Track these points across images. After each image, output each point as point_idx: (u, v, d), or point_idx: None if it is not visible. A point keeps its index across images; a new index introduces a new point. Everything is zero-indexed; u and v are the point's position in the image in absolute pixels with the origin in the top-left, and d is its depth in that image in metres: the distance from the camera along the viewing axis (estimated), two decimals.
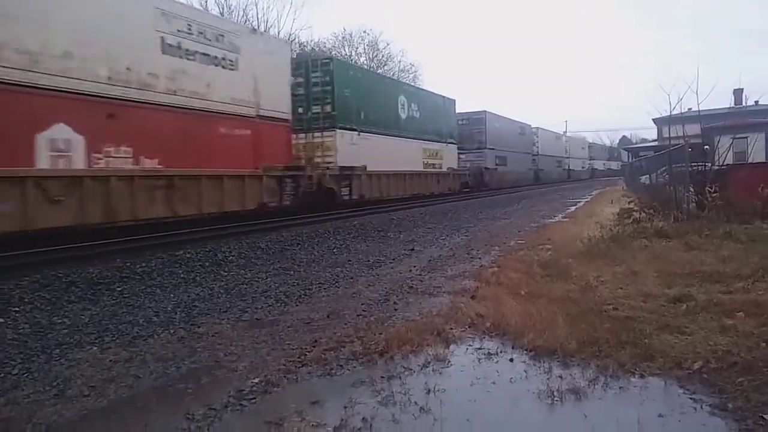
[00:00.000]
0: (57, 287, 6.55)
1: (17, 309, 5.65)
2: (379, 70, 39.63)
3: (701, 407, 3.01)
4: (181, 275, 7.46)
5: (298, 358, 4.06)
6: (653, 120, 32.72)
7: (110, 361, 4.14)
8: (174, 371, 3.93)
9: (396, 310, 5.41)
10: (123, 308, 5.76)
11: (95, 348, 4.45)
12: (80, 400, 3.43)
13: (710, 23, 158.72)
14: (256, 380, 3.63)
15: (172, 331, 4.89)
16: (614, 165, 76.49)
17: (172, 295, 6.34)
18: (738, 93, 33.62)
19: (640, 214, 11.83)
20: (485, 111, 32.36)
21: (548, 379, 3.49)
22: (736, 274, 5.86)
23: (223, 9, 31.81)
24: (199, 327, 4.99)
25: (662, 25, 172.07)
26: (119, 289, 6.62)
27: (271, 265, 8.31)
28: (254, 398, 3.37)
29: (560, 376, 3.50)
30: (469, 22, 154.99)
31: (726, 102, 30.28)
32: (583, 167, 63.94)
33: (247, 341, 4.54)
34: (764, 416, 2.81)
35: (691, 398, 3.11)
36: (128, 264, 7.89)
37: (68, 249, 8.49)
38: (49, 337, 4.75)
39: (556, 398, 3.22)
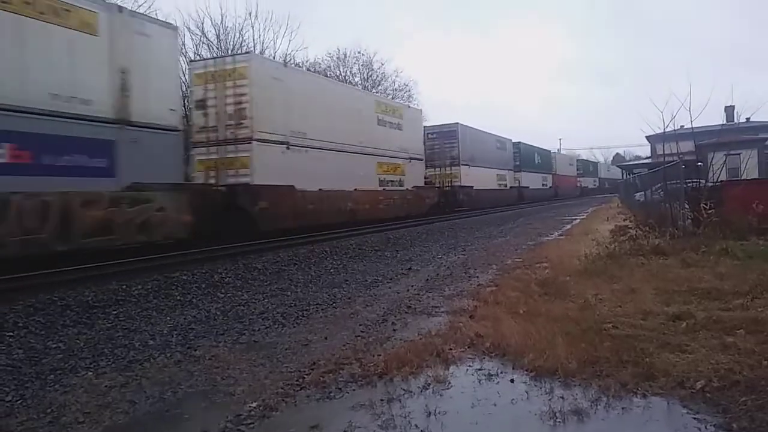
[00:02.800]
0: (52, 311, 6.49)
1: (11, 334, 5.59)
2: (374, 90, 39.89)
3: (705, 428, 2.98)
4: (178, 297, 7.40)
5: (297, 381, 4.01)
6: (647, 137, 33.10)
7: (106, 386, 4.07)
8: (171, 396, 3.87)
9: (395, 330, 5.37)
10: (119, 332, 5.70)
11: (90, 373, 4.39)
12: (75, 427, 3.37)
13: (701, 41, 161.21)
14: (254, 404, 3.58)
15: (168, 355, 4.83)
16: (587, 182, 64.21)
17: (168, 318, 6.28)
18: (730, 110, 33.99)
19: (636, 231, 11.85)
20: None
21: (550, 399, 3.45)
22: (735, 290, 5.85)
23: (219, 31, 32.06)
24: (196, 350, 4.94)
25: (657, 44, 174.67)
26: (115, 312, 6.56)
27: (267, 286, 8.26)
28: (252, 423, 3.32)
29: (562, 397, 3.47)
30: (467, 45, 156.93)
31: (718, 119, 30.56)
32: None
33: (244, 364, 4.49)
34: None
35: (694, 418, 3.08)
36: (124, 287, 7.83)
37: (63, 272, 8.43)
38: (43, 363, 4.68)
39: (558, 419, 3.18)
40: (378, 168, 20.29)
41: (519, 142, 41.17)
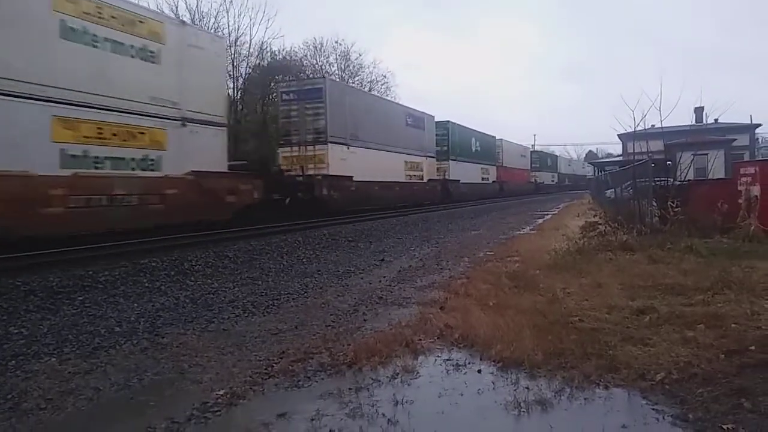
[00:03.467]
0: (15, 296, 6.34)
1: None
2: (350, 81, 39.59)
3: (663, 418, 3.06)
4: (146, 284, 7.30)
5: (265, 369, 4.00)
6: (618, 135, 33.67)
7: (69, 372, 4.01)
8: (136, 383, 3.82)
9: (365, 320, 5.39)
10: (84, 318, 5.60)
11: (53, 359, 4.31)
12: (36, 414, 3.31)
13: (673, 42, 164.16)
14: (222, 392, 3.56)
15: (135, 342, 4.77)
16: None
17: (135, 305, 6.18)
18: (699, 111, 34.81)
19: (605, 227, 12.08)
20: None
21: (515, 390, 3.51)
22: (697, 286, 6.01)
23: (194, 16, 31.42)
24: (163, 337, 4.88)
25: (630, 44, 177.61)
26: (80, 298, 6.43)
27: (238, 274, 8.19)
28: (219, 411, 3.30)
29: (527, 388, 3.52)
30: (442, 43, 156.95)
31: (687, 119, 31.26)
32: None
33: (212, 352, 4.45)
34: (723, 426, 2.88)
35: (653, 409, 3.17)
36: (90, 272, 7.68)
37: (27, 257, 8.23)
38: (5, 348, 4.58)
39: (523, 409, 3.24)
40: (59, 130, 9.57)
41: (448, 122, 31.95)
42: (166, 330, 5.14)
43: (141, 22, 11.29)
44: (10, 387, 3.72)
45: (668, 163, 14.46)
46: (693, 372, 3.57)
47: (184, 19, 29.16)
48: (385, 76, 44.85)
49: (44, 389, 3.68)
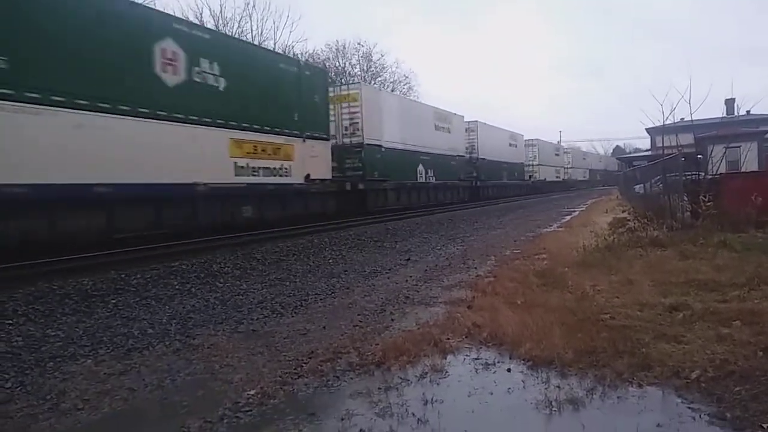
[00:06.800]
0: (51, 299, 6.51)
1: (10, 322, 5.60)
2: (372, 82, 39.64)
3: (700, 417, 3.00)
4: (176, 287, 7.42)
5: (295, 369, 4.03)
6: (646, 130, 32.96)
7: (105, 373, 4.10)
8: (169, 384, 3.89)
9: (392, 320, 5.39)
10: (117, 320, 5.72)
11: (89, 360, 4.41)
12: (74, 414, 3.40)
13: (702, 33, 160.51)
14: (252, 392, 3.60)
15: (167, 343, 4.85)
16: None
17: (167, 307, 6.30)
18: (730, 103, 33.85)
19: (635, 223, 11.87)
20: None
21: (546, 389, 3.47)
22: (732, 282, 5.86)
23: (218, 21, 31.86)
24: (194, 339, 4.96)
25: (658, 37, 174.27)
26: (114, 301, 6.57)
27: (266, 275, 8.28)
28: (250, 410, 3.34)
29: (558, 386, 3.48)
30: (466, 44, 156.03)
31: (718, 112, 30.42)
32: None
33: (243, 353, 4.51)
34: (763, 426, 2.80)
35: (689, 408, 3.10)
36: (123, 276, 7.84)
37: (62, 261, 8.44)
38: (42, 350, 4.70)
39: (554, 408, 3.20)
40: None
41: None
42: (197, 331, 5.22)
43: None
44: (48, 388, 3.82)
45: (699, 156, 14.15)
46: (730, 369, 3.49)
47: (208, 24, 29.61)
48: (407, 77, 44.68)
49: (81, 390, 3.77)
